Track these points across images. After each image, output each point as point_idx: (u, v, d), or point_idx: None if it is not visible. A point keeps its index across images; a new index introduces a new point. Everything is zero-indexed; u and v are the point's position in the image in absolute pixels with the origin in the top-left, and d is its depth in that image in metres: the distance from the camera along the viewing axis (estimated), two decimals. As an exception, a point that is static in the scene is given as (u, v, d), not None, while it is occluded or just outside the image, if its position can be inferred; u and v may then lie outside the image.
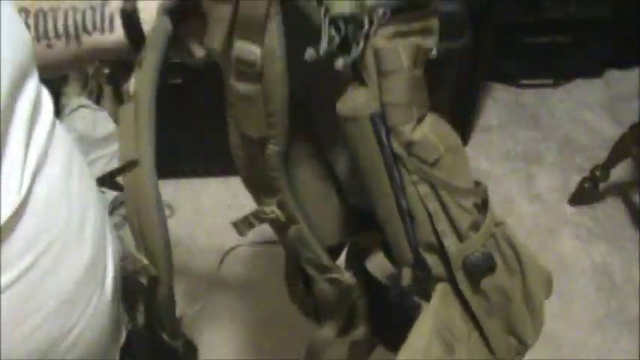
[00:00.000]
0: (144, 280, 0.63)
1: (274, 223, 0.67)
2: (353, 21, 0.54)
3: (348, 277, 0.71)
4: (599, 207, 1.73)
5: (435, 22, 0.58)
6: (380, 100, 0.57)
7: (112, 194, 1.68)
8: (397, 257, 0.65)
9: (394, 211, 0.61)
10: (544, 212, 1.73)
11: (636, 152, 1.52)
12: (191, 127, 1.61)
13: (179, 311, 0.68)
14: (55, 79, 0.85)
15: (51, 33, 0.61)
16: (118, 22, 0.60)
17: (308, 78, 0.58)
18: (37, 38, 0.61)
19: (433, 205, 0.60)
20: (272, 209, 0.64)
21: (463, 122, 1.90)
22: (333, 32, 0.54)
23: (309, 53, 0.52)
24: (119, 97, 1.74)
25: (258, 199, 0.67)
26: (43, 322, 0.48)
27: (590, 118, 1.99)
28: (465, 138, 1.91)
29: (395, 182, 0.60)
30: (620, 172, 1.70)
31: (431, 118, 0.59)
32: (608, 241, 1.65)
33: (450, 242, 0.61)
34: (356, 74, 0.58)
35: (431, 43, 0.58)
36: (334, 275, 0.71)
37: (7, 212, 0.43)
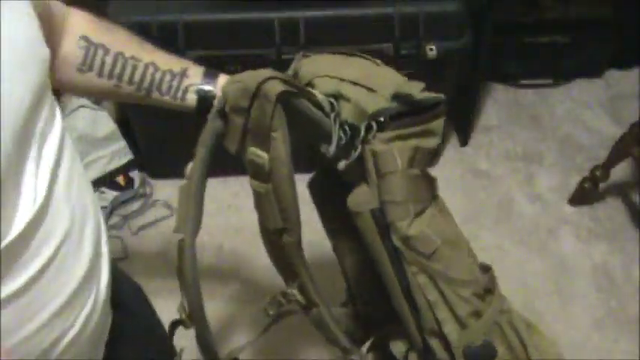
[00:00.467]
0: None
1: (298, 304, 0.71)
2: (351, 129, 0.61)
3: None
4: (599, 207, 1.73)
5: (438, 124, 0.63)
6: (379, 197, 0.61)
7: (111, 194, 1.69)
8: (411, 341, 0.69)
9: (402, 299, 0.65)
10: (544, 212, 1.73)
11: (636, 152, 1.52)
12: (191, 128, 1.61)
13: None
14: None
15: (125, 78, 0.67)
16: (191, 96, 0.68)
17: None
18: (110, 76, 0.67)
19: (433, 295, 0.64)
20: (293, 292, 0.69)
21: (463, 122, 1.90)
22: (341, 134, 0.61)
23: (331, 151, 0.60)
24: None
25: (285, 281, 0.71)
26: (45, 323, 0.49)
27: (590, 118, 1.99)
28: (465, 138, 1.91)
29: (398, 272, 0.64)
30: (620, 172, 1.70)
31: (431, 212, 0.64)
32: (608, 241, 1.65)
33: (451, 330, 0.65)
34: (361, 173, 0.63)
35: (433, 143, 0.63)
36: (354, 358, 0.75)
37: (20, 226, 0.44)
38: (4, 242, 0.43)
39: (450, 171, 1.81)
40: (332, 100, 0.62)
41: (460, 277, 0.64)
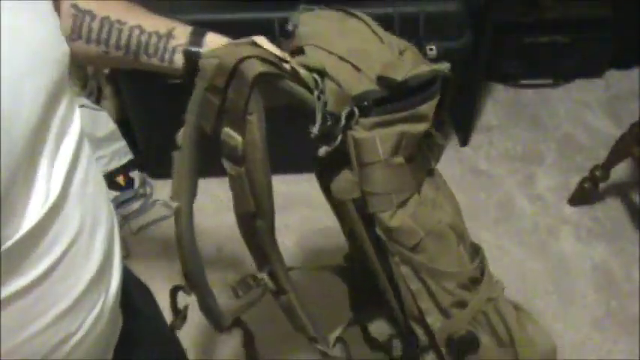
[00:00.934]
0: None
1: (267, 289, 0.70)
2: (332, 117, 0.58)
3: (334, 351, 0.73)
4: (599, 207, 1.73)
5: (428, 107, 0.60)
6: (360, 187, 0.60)
7: (111, 194, 1.69)
8: (396, 326, 0.69)
9: (386, 283, 0.65)
10: (544, 212, 1.73)
11: (636, 152, 1.52)
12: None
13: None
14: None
15: (112, 43, 0.65)
16: (178, 57, 0.65)
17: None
18: (97, 42, 0.64)
19: (415, 286, 0.63)
20: (263, 276, 0.68)
21: (463, 122, 1.90)
22: (327, 115, 0.58)
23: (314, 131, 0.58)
24: (118, 97, 1.74)
25: (257, 266, 0.70)
26: (50, 324, 0.49)
27: (590, 118, 1.99)
28: (465, 138, 1.91)
29: (382, 261, 0.63)
30: (620, 172, 1.70)
31: (415, 201, 0.62)
32: (608, 241, 1.65)
33: (434, 319, 0.64)
34: (344, 159, 0.61)
35: (421, 128, 0.60)
36: (320, 347, 0.73)
37: (31, 222, 0.44)
38: (14, 238, 0.42)
39: (450, 171, 1.81)
40: (316, 76, 0.59)
41: (445, 269, 0.63)
